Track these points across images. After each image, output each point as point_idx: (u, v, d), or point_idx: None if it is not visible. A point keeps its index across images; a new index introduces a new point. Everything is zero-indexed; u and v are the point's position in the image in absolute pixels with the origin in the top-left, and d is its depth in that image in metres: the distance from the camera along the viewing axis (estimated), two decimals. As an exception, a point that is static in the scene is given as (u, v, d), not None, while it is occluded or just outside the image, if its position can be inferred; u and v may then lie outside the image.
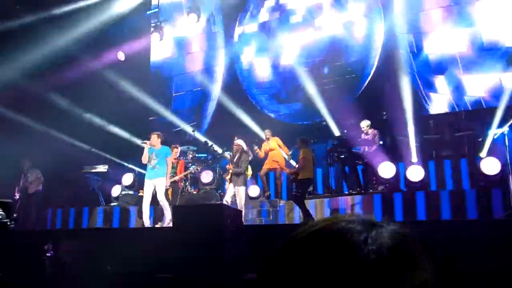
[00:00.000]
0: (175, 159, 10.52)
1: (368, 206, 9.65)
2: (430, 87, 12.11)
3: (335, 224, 0.86)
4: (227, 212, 6.81)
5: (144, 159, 9.18)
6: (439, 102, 12.04)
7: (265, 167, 11.15)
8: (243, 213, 9.01)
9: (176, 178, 10.15)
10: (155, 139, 9.22)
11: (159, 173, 9.09)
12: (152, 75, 15.71)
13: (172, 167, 10.13)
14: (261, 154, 11.24)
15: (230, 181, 9.29)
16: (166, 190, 9.56)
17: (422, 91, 12.20)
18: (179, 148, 11.00)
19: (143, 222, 9.32)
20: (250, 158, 9.92)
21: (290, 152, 11.40)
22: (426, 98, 12.20)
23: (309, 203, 10.16)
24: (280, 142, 11.29)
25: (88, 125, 13.64)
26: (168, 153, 9.37)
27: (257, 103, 14.92)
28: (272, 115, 14.77)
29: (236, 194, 9.24)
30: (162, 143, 9.38)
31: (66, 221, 11.79)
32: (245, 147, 9.66)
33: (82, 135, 13.18)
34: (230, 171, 9.32)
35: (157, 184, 9.05)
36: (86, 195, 12.66)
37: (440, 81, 11.88)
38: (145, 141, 9.34)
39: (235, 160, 9.43)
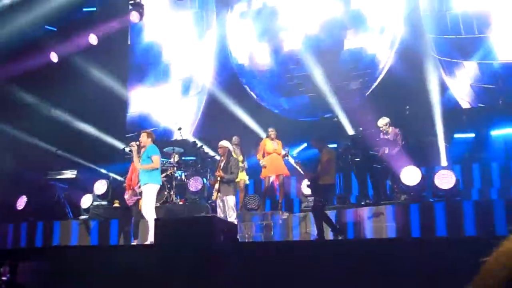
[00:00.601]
0: None
1: (387, 219, 9.57)
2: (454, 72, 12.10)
3: None
4: (219, 226, 6.76)
5: (137, 165, 9.17)
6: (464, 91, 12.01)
7: (269, 173, 11.16)
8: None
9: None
10: (144, 138, 9.21)
11: (144, 178, 9.07)
12: (130, 63, 15.70)
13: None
14: (260, 157, 11.25)
15: (218, 191, 9.28)
16: (137, 200, 9.56)
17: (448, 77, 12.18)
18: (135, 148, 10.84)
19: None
20: (243, 165, 9.85)
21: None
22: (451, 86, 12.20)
23: (311, 216, 10.09)
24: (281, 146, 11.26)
25: (53, 123, 13.58)
26: (151, 151, 9.23)
27: (257, 95, 14.89)
28: (274, 110, 14.77)
29: (226, 205, 9.22)
30: (154, 142, 9.39)
31: (32, 238, 11.67)
32: (231, 149, 9.63)
33: (46, 134, 13.11)
34: (218, 178, 9.28)
35: (142, 191, 9.05)
36: (49, 206, 12.57)
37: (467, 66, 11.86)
38: (131, 144, 9.27)
39: (222, 165, 9.41)
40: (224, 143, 9.63)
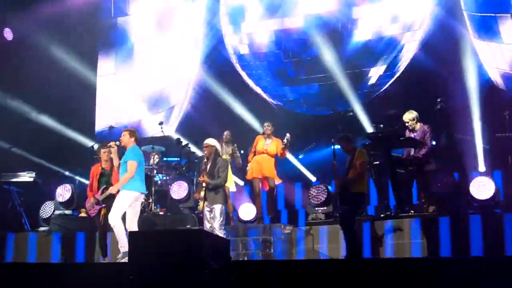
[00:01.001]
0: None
1: (413, 234, 9.52)
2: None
3: None
4: (208, 241, 6.69)
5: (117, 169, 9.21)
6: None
7: (254, 174, 11.22)
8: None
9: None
10: (126, 137, 9.21)
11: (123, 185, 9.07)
12: (102, 40, 15.70)
13: (104, 175, 9.99)
14: (250, 157, 11.36)
15: (205, 199, 9.28)
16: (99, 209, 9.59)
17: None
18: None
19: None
20: (239, 165, 9.85)
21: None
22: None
23: (320, 230, 10.16)
24: (279, 149, 11.24)
25: (7, 114, 13.57)
26: (129, 155, 9.22)
27: (258, 83, 14.93)
28: (275, 101, 14.79)
29: (213, 216, 9.25)
30: (137, 142, 9.39)
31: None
32: (219, 148, 9.64)
33: (-1, 128, 13.12)
34: (204, 185, 9.28)
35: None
36: (2, 215, 12.56)
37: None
38: (109, 144, 9.25)
39: (208, 168, 9.41)
40: (210, 141, 9.60)
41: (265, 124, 11.56)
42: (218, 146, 9.61)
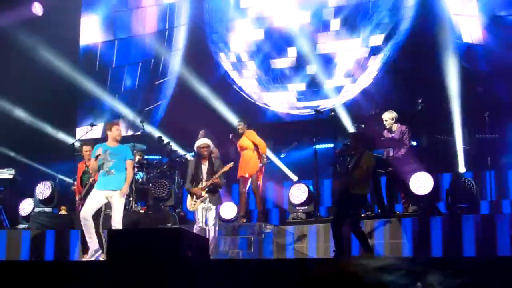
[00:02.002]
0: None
1: (393, 234, 9.68)
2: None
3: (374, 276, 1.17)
4: (187, 240, 6.79)
5: (93, 168, 9.23)
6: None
7: (239, 173, 11.23)
8: (212, 242, 9.13)
9: None
10: (116, 132, 9.27)
11: (115, 183, 9.10)
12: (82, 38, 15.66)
13: (86, 173, 10.17)
14: None
15: (203, 200, 9.37)
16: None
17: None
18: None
19: (88, 254, 9.29)
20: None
21: (265, 155, 11.31)
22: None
23: (309, 230, 10.19)
24: (256, 137, 11.26)
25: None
26: (129, 155, 9.41)
27: (239, 82, 14.95)
28: (258, 101, 14.76)
29: (208, 216, 9.36)
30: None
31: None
32: (215, 151, 9.79)
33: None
34: (205, 189, 9.37)
35: (112, 198, 9.07)
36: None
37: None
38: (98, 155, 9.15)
39: (207, 169, 9.51)
40: (208, 141, 9.68)
41: (238, 122, 11.58)
42: (212, 145, 9.73)
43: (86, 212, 9.01)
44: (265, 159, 11.26)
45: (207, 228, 9.33)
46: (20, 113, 13.87)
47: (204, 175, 9.50)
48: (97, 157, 9.06)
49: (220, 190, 9.76)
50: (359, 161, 8.87)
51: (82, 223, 9.06)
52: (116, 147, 9.25)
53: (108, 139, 9.33)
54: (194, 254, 6.73)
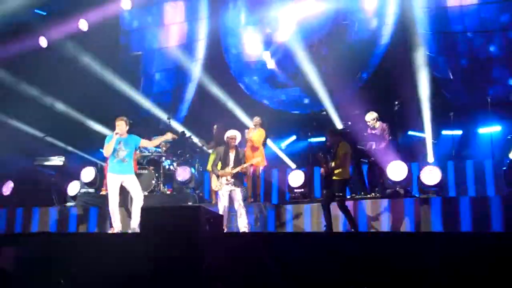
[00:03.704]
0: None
1: (373, 213, 9.69)
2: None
3: None
4: (205, 216, 6.77)
5: (109, 151, 9.06)
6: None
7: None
8: (244, 218, 9.13)
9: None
10: (123, 126, 9.11)
11: (129, 169, 9.08)
12: (121, 50, 15.63)
13: None
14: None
15: (227, 183, 9.32)
16: None
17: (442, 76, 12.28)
18: None
19: (113, 228, 9.29)
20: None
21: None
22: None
23: (305, 208, 10.20)
24: (261, 139, 11.18)
25: (42, 108, 13.53)
26: (138, 143, 9.34)
27: (247, 87, 14.89)
28: (265, 101, 14.77)
29: (234, 196, 9.28)
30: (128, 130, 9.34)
31: (12, 224, 11.69)
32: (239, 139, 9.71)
33: (34, 120, 13.07)
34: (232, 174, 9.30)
35: (128, 181, 9.03)
36: (37, 193, 12.53)
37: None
38: (117, 132, 9.08)
39: (234, 158, 9.43)
40: (235, 133, 9.58)
41: (255, 118, 11.48)
42: (239, 137, 9.62)
43: (114, 203, 8.94)
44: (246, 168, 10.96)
45: (224, 207, 9.26)
46: (70, 110, 13.87)
47: (231, 162, 9.40)
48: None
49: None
50: (336, 152, 8.88)
51: (111, 212, 9.00)
52: (127, 138, 9.14)
53: (117, 130, 9.06)
54: (211, 228, 6.72)
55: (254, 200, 11.05)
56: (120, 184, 9.03)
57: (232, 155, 9.47)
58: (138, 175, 9.66)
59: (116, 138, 9.01)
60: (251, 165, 10.14)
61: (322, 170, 9.01)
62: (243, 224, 9.17)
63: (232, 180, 9.33)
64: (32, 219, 11.67)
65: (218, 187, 9.45)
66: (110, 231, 9.46)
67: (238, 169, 9.32)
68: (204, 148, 11.79)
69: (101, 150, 9.68)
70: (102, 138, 13.32)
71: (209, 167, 11.00)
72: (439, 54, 12.38)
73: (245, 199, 11.09)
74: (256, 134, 11.15)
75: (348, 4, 13.47)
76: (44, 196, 12.47)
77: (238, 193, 9.28)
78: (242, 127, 11.82)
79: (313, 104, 13.60)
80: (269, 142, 12.10)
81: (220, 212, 9.11)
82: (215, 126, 11.68)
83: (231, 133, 9.61)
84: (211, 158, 11.21)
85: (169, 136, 9.58)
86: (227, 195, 9.33)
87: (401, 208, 9.54)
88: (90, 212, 11.43)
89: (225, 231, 8.75)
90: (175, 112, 15.15)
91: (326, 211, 8.91)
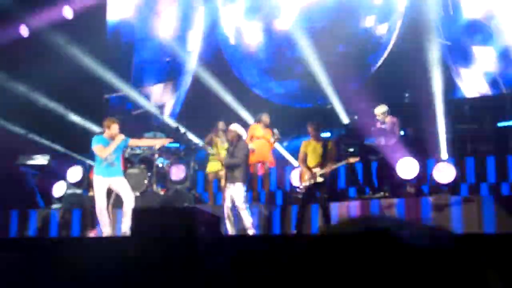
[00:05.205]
0: None
1: (385, 214, 9.66)
2: (466, 60, 12.19)
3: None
4: (201, 218, 6.78)
5: (106, 153, 9.07)
6: (475, 81, 12.11)
7: (255, 159, 11.12)
8: (248, 218, 9.01)
9: None
10: (117, 128, 9.15)
11: (117, 171, 9.15)
12: (108, 40, 15.63)
13: None
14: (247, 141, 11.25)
15: (226, 181, 9.29)
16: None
17: (455, 67, 12.26)
18: None
19: (95, 230, 9.29)
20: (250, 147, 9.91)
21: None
22: (460, 76, 12.28)
23: (312, 209, 10.20)
24: (268, 135, 11.22)
25: (24, 104, 13.50)
26: (127, 144, 9.47)
27: (245, 79, 14.88)
28: (265, 94, 14.78)
29: (233, 193, 9.09)
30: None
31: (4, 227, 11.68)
32: (244, 135, 9.60)
33: (15, 115, 13.05)
34: (220, 167, 9.33)
35: (116, 183, 9.07)
36: (19, 194, 12.55)
37: (480, 53, 11.95)
38: (112, 136, 9.13)
39: (231, 150, 9.44)
40: (232, 127, 9.57)
41: (264, 114, 11.46)
42: (240, 131, 9.58)
43: (102, 206, 8.97)
44: (276, 136, 11.09)
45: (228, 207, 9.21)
46: (54, 105, 13.84)
47: (227, 155, 9.54)
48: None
49: (247, 167, 9.51)
50: (326, 151, 9.05)
51: (98, 214, 9.02)
52: (119, 142, 9.19)
53: (107, 133, 9.15)
54: (208, 231, 6.72)
55: (259, 200, 11.04)
56: (107, 187, 9.11)
57: (230, 149, 9.52)
58: (128, 175, 9.68)
59: (107, 141, 9.09)
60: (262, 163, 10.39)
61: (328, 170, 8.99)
62: (247, 225, 9.14)
63: (226, 175, 9.32)
64: (11, 223, 11.65)
65: (222, 183, 9.45)
66: (91, 234, 9.49)
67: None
68: (209, 151, 11.60)
69: (91, 148, 9.63)
70: (89, 134, 13.45)
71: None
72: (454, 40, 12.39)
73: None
74: (267, 133, 11.19)
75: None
76: (27, 198, 12.47)
77: (234, 191, 9.10)
78: (240, 123, 11.86)
79: (317, 97, 13.54)
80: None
81: (225, 214, 9.09)
82: (220, 124, 11.58)
83: (229, 127, 9.67)
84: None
85: (162, 141, 9.62)
86: (229, 195, 9.26)
87: (416, 208, 9.50)
88: (73, 215, 11.41)
89: (229, 234, 8.84)
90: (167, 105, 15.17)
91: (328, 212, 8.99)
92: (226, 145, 10.87)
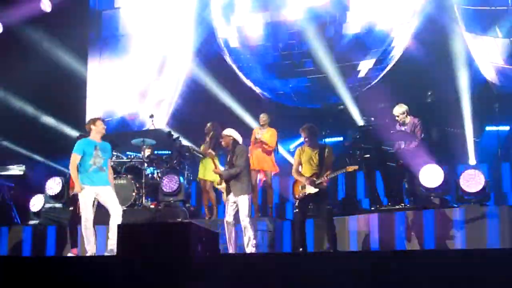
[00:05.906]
0: None
1: (412, 225, 9.49)
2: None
3: None
4: (197, 234, 6.68)
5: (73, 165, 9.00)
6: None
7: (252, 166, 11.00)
8: (251, 234, 8.91)
9: None
10: (102, 127, 9.09)
11: (106, 179, 9.01)
12: (91, 34, 15.67)
13: None
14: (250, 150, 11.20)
15: (229, 192, 9.19)
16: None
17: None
18: None
19: (74, 250, 9.22)
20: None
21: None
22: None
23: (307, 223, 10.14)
24: (274, 138, 11.10)
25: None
26: (111, 151, 9.49)
27: (248, 76, 14.90)
28: (267, 94, 14.77)
29: (235, 207, 9.06)
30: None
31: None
32: (238, 138, 9.46)
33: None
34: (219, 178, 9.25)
35: (104, 193, 8.92)
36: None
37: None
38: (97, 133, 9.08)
39: (229, 158, 9.33)
40: (226, 132, 9.52)
41: (262, 115, 11.41)
42: (235, 135, 9.44)
43: (88, 219, 8.85)
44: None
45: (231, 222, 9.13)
46: (28, 109, 13.89)
47: (226, 165, 9.44)
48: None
49: (249, 176, 9.39)
50: (323, 157, 8.93)
51: (83, 230, 8.88)
52: (103, 143, 9.11)
53: (93, 134, 9.04)
54: (204, 248, 6.65)
55: (263, 214, 11.01)
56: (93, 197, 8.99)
57: (228, 156, 9.43)
58: (114, 186, 9.58)
59: (91, 142, 9.00)
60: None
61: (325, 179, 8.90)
62: (248, 243, 9.01)
63: (227, 186, 9.23)
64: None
65: (223, 197, 9.38)
66: (70, 254, 9.41)
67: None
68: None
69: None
70: (70, 142, 13.43)
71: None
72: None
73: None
74: (267, 134, 11.08)
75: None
76: (0, 213, 12.39)
77: (241, 202, 9.02)
78: (241, 126, 11.80)
79: (326, 96, 13.49)
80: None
81: (225, 230, 9.06)
82: (208, 124, 11.53)
83: (225, 132, 9.54)
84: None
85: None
86: (231, 209, 9.15)
87: (447, 220, 9.30)
88: (48, 232, 11.33)
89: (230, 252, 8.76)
90: (159, 109, 15.19)
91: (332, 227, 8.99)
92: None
